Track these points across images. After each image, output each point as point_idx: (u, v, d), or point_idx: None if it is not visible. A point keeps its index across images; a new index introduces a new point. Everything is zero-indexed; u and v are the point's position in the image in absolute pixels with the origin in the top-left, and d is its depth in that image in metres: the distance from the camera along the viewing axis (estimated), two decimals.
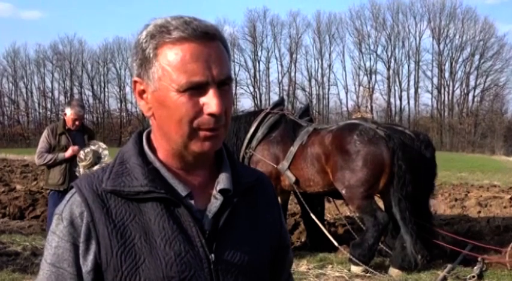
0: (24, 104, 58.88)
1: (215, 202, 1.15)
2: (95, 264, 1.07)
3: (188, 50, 1.05)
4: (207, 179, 1.19)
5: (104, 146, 5.91)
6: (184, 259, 1.08)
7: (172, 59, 1.05)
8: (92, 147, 5.73)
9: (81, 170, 5.59)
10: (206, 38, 1.07)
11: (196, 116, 1.06)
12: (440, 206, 10.90)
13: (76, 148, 5.61)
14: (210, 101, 1.06)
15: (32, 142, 48.26)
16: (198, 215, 1.12)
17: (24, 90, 58.71)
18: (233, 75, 1.17)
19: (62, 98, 57.65)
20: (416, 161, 6.28)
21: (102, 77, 58.98)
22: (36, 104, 59.42)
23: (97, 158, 5.73)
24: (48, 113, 58.64)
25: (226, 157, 1.23)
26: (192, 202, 1.12)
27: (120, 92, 58.67)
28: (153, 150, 1.17)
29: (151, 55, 1.07)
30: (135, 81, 1.12)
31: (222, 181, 1.17)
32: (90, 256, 1.07)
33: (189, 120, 1.06)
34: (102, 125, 56.83)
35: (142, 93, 1.12)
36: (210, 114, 1.06)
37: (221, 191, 1.15)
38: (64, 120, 5.78)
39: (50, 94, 58.81)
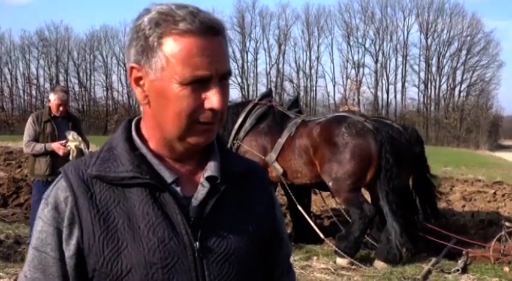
0: (8, 91, 58.04)
1: (202, 190, 1.14)
2: (78, 249, 1.08)
3: (195, 44, 1.05)
4: (196, 167, 1.18)
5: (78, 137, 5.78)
6: (167, 245, 1.07)
7: (177, 51, 1.05)
8: (69, 136, 5.66)
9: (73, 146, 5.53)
10: (212, 32, 1.07)
11: (196, 110, 1.07)
12: None
13: (63, 142, 5.54)
14: (212, 97, 1.06)
15: (16, 128, 47.66)
16: (183, 202, 1.11)
17: (8, 76, 57.92)
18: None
19: (47, 85, 56.72)
20: (404, 154, 6.30)
21: (88, 65, 58.21)
22: (21, 91, 58.55)
23: (80, 150, 5.67)
24: (33, 100, 57.89)
25: (216, 146, 1.22)
26: (179, 189, 1.12)
27: (106, 80, 58.05)
28: (142, 137, 1.16)
29: (155, 44, 1.06)
30: (133, 68, 1.10)
31: (210, 168, 1.16)
32: (73, 241, 1.08)
33: (189, 114, 1.06)
34: (88, 113, 56.14)
35: (138, 80, 1.10)
36: (211, 109, 1.06)
37: (208, 179, 1.14)
38: (49, 107, 5.69)
39: (35, 81, 58.07)
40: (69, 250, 1.08)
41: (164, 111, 1.08)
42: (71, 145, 5.59)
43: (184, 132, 1.08)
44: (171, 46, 1.05)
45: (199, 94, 1.06)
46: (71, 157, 5.55)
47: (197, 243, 1.09)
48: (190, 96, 1.05)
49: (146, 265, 1.05)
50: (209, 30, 1.06)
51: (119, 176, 1.09)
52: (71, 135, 5.64)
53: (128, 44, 1.11)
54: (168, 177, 1.11)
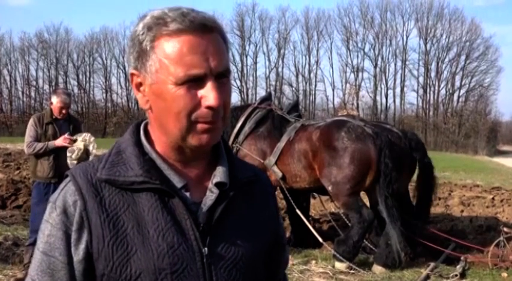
0: (7, 92, 58.02)
1: (210, 195, 1.14)
2: (87, 253, 1.07)
3: (185, 42, 1.04)
4: (204, 172, 1.17)
5: (92, 139, 5.80)
6: (176, 251, 1.07)
7: (169, 51, 1.05)
8: (79, 138, 5.65)
9: (74, 162, 5.51)
10: (204, 29, 1.06)
11: (194, 109, 1.06)
12: None
13: (67, 136, 5.53)
14: (208, 94, 1.05)
15: (15, 130, 47.67)
16: (192, 208, 1.11)
17: (7, 78, 57.88)
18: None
19: (46, 87, 56.90)
20: (403, 159, 6.32)
21: (87, 67, 58.21)
22: (20, 93, 58.55)
23: (85, 155, 5.64)
24: (32, 101, 57.91)
25: (223, 151, 1.22)
26: (188, 194, 1.12)
27: (105, 82, 58.04)
28: (150, 141, 1.16)
29: (148, 48, 1.06)
30: (132, 74, 1.11)
31: (219, 174, 1.16)
32: (82, 245, 1.07)
33: (187, 114, 1.06)
34: (87, 115, 56.09)
35: (139, 85, 1.11)
36: (208, 107, 1.05)
37: (217, 185, 1.14)
38: (51, 109, 5.69)
39: (34, 83, 58.07)
40: (78, 254, 1.07)
41: (164, 113, 1.08)
42: (80, 144, 5.58)
43: (185, 133, 1.07)
44: (163, 47, 1.05)
45: (196, 93, 1.05)
46: (74, 155, 5.54)
47: (206, 249, 1.09)
48: (187, 96, 1.05)
49: (155, 271, 1.05)
50: (200, 27, 1.05)
51: (129, 180, 1.08)
52: (82, 136, 5.65)
53: (127, 51, 1.12)
54: (177, 182, 1.11)
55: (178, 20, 1.04)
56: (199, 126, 1.07)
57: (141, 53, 1.07)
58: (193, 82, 1.05)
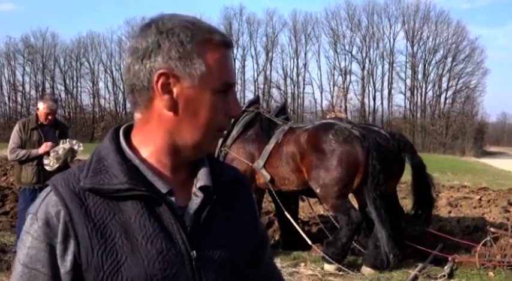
0: None
1: (196, 199, 1.14)
2: (74, 264, 1.05)
3: (224, 54, 1.13)
4: (187, 176, 1.18)
5: (75, 141, 5.76)
6: (166, 256, 1.07)
7: (215, 60, 1.11)
8: (63, 146, 5.58)
9: (54, 163, 5.44)
10: (231, 46, 1.16)
11: (221, 117, 1.13)
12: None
13: (49, 143, 5.48)
14: (233, 105, 1.14)
15: (1, 136, 47.17)
16: (179, 212, 1.11)
17: None
18: None
19: (33, 92, 56.54)
20: (391, 161, 6.34)
21: (74, 72, 57.92)
22: (6, 98, 58.12)
23: (71, 153, 5.60)
24: (19, 107, 57.44)
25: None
26: (173, 199, 1.12)
27: (93, 87, 57.79)
28: (131, 147, 1.14)
29: (195, 52, 1.09)
30: (162, 74, 1.08)
31: (202, 177, 1.17)
32: (69, 257, 1.05)
33: (216, 122, 1.12)
34: (74, 120, 55.69)
35: (167, 86, 1.09)
36: (231, 117, 1.13)
37: (201, 188, 1.15)
38: (37, 115, 5.64)
39: (20, 88, 57.63)
40: (65, 266, 1.05)
41: (193, 117, 1.10)
42: (65, 145, 5.53)
43: (204, 139, 1.12)
44: (211, 55, 1.10)
45: (223, 102, 1.12)
46: (60, 152, 5.47)
47: (194, 252, 1.10)
48: (219, 104, 1.11)
49: (147, 277, 1.05)
50: (230, 43, 1.16)
51: (114, 188, 1.07)
52: (62, 141, 5.59)
53: (150, 50, 1.08)
54: (162, 188, 1.11)
55: (220, 33, 1.13)
56: (217, 134, 1.15)
57: (185, 54, 1.08)
58: (224, 92, 1.12)
